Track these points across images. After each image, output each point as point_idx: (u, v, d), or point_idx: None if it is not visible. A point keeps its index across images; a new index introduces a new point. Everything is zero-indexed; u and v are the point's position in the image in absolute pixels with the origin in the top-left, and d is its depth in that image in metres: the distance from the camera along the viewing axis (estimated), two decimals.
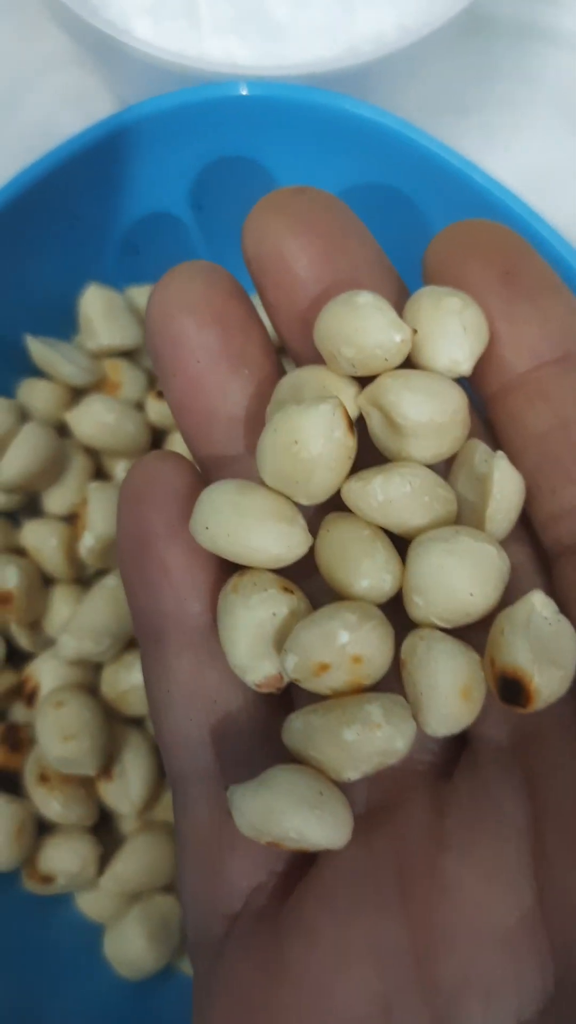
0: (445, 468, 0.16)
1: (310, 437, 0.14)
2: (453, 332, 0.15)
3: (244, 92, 0.26)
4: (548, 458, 0.15)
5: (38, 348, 0.28)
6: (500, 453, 0.15)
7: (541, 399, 0.15)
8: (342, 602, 0.14)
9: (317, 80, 0.29)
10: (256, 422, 0.16)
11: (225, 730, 0.15)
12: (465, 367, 0.15)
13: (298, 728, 0.14)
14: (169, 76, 0.29)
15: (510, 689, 0.14)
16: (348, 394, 0.15)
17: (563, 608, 0.15)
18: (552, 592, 0.15)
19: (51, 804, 0.26)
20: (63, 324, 0.30)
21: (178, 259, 0.31)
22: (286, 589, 0.15)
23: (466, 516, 0.15)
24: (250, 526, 0.14)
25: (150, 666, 0.16)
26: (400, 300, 0.16)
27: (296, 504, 0.15)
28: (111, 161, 0.28)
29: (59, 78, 0.37)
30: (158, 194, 0.29)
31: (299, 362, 0.17)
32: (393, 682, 0.15)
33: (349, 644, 0.14)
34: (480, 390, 0.16)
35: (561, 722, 0.15)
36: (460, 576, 0.14)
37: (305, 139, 0.27)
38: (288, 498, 0.15)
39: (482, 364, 0.15)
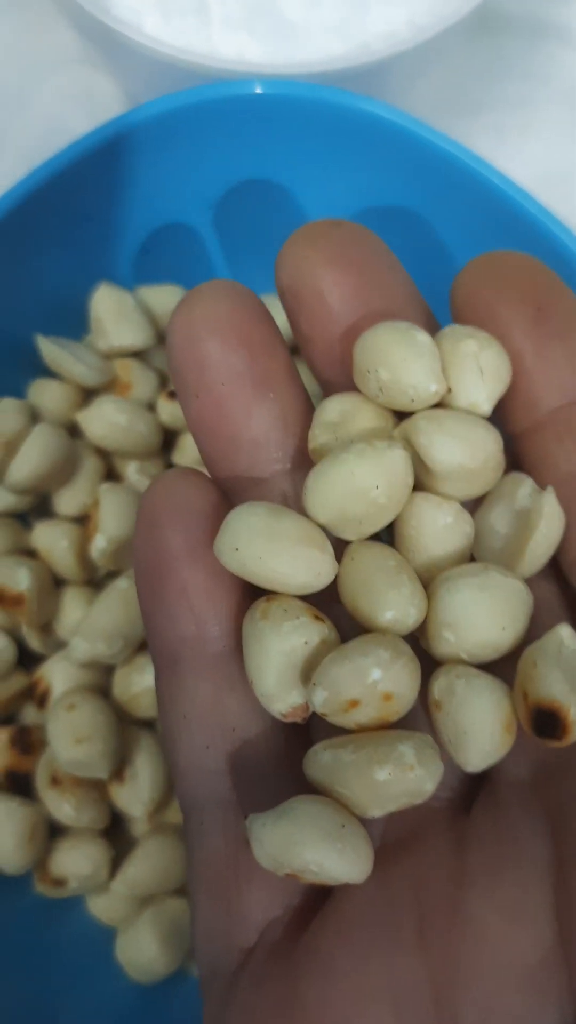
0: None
1: (387, 484, 0.14)
2: (471, 375, 0.15)
3: (258, 91, 0.26)
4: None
5: (49, 348, 0.28)
6: (550, 489, 0.15)
7: (571, 438, 0.15)
8: (371, 635, 0.14)
9: (328, 78, 0.29)
10: (281, 445, 0.16)
11: (243, 758, 0.15)
12: (485, 408, 0.15)
13: (325, 762, 0.14)
14: (179, 73, 0.29)
15: (545, 723, 0.14)
16: (391, 426, 0.16)
17: None
18: None
19: (63, 807, 0.26)
20: (74, 324, 0.30)
21: (189, 259, 0.31)
22: (317, 617, 0.15)
23: (495, 548, 0.15)
24: (281, 550, 0.14)
25: (166, 690, 0.16)
26: (430, 329, 0.16)
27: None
28: (122, 160, 0.27)
29: (68, 75, 0.37)
30: (169, 193, 0.29)
31: (328, 394, 0.16)
32: (413, 719, 0.15)
33: (381, 681, 0.14)
34: (509, 427, 0.16)
35: None
36: (492, 611, 0.14)
37: (318, 138, 0.27)
38: (319, 526, 0.15)
39: (512, 402, 0.15)
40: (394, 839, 0.15)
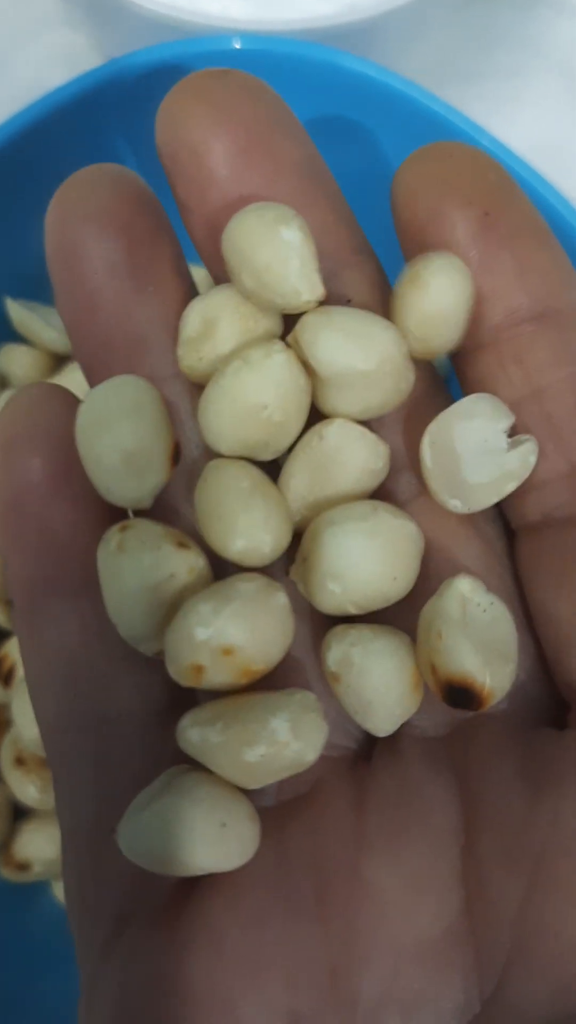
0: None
1: (280, 398, 0.13)
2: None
3: (237, 46, 0.25)
4: (519, 430, 0.14)
5: (18, 312, 0.27)
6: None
7: (514, 363, 0.14)
8: (204, 590, 0.13)
9: (315, 36, 0.28)
10: (163, 347, 0.14)
11: (115, 709, 0.14)
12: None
13: (195, 741, 0.13)
14: (164, 32, 0.28)
15: (460, 695, 0.13)
16: (272, 327, 0.14)
17: (522, 586, 0.14)
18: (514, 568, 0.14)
19: (27, 788, 0.25)
20: (45, 287, 0.29)
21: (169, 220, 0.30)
22: (181, 544, 0.13)
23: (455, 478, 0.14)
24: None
25: (28, 636, 0.14)
26: (331, 204, 0.14)
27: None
28: (97, 117, 0.26)
29: (49, 38, 0.36)
30: (147, 153, 0.28)
31: (209, 266, 0.15)
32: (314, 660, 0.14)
33: (213, 638, 0.12)
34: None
35: (495, 713, 0.14)
36: (384, 560, 0.13)
37: (301, 97, 0.26)
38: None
39: None
40: (291, 795, 0.14)
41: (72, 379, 0.26)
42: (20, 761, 0.25)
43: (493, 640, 0.13)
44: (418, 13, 0.29)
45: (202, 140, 0.14)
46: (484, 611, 0.13)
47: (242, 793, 0.13)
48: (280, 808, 0.14)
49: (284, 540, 0.13)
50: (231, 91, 0.14)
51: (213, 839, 0.12)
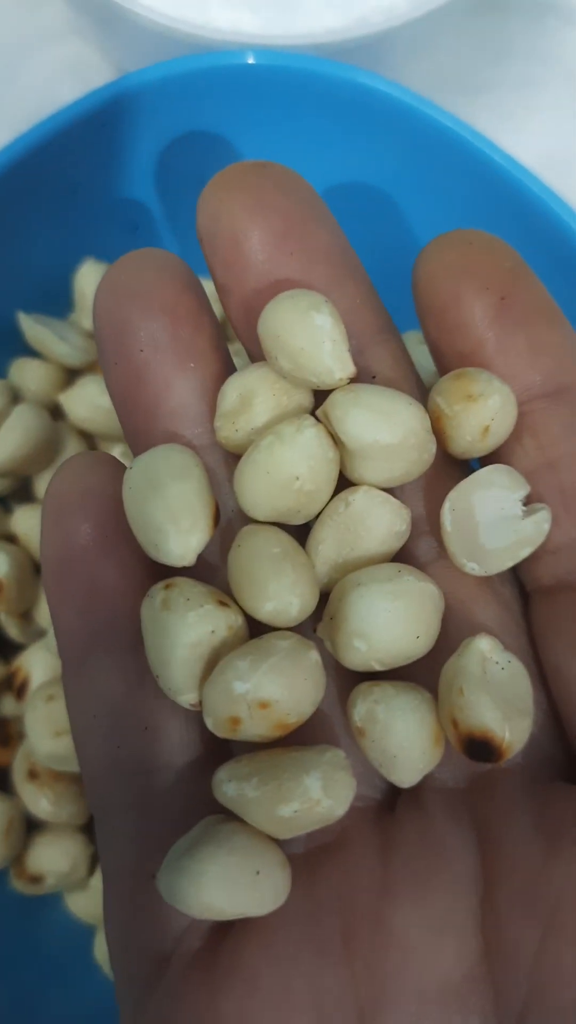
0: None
1: (310, 470, 0.14)
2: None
3: (251, 61, 0.25)
4: (534, 499, 0.15)
5: (31, 326, 0.27)
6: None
7: (529, 435, 0.15)
8: (242, 646, 0.13)
9: (325, 51, 0.28)
10: (202, 418, 0.15)
11: (157, 759, 0.14)
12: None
13: (231, 795, 0.13)
14: (174, 45, 0.28)
15: (479, 748, 0.13)
16: (303, 402, 0.15)
17: (536, 645, 0.14)
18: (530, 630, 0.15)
19: (40, 802, 0.25)
20: (59, 302, 0.29)
21: (178, 237, 0.30)
22: (222, 603, 0.14)
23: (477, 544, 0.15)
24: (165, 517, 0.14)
25: (74, 688, 0.15)
26: (358, 287, 0.15)
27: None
28: (110, 132, 0.26)
29: (59, 48, 0.36)
30: (159, 168, 0.28)
31: (247, 346, 0.16)
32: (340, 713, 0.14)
33: (249, 692, 0.13)
34: None
35: (511, 767, 0.14)
36: (407, 620, 0.14)
37: (313, 112, 0.26)
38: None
39: None
40: (319, 844, 0.14)
41: (84, 393, 0.27)
42: (33, 774, 0.25)
43: (511, 696, 0.13)
44: (427, 25, 0.29)
45: (241, 228, 0.15)
46: (503, 669, 0.13)
47: (274, 842, 0.13)
48: (309, 855, 0.14)
49: (311, 604, 0.14)
50: (268, 183, 0.15)
51: (248, 886, 0.13)
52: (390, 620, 0.13)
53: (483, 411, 0.14)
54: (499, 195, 0.26)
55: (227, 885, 0.13)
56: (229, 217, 0.15)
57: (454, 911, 0.13)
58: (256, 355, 0.15)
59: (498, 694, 0.13)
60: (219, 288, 0.16)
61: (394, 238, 0.28)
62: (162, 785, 0.14)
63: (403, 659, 0.14)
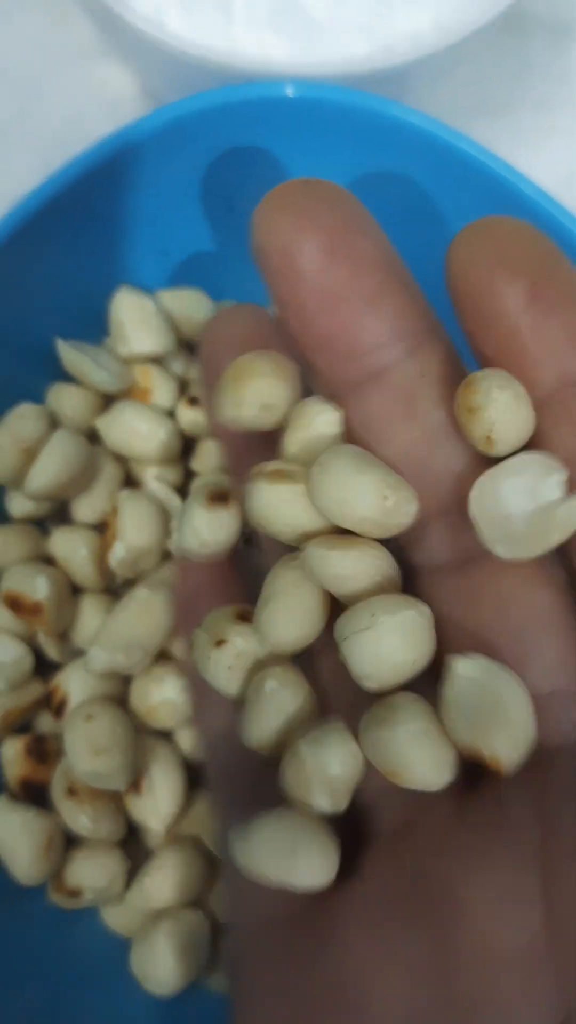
0: None
1: (418, 651, 0.16)
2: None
3: (289, 93, 0.26)
4: (574, 484, 0.15)
5: (69, 353, 0.27)
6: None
7: (568, 420, 0.15)
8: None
9: (352, 79, 0.28)
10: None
11: (252, 761, 0.17)
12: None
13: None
14: (200, 71, 0.28)
15: (476, 764, 0.15)
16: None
17: None
18: None
19: (80, 819, 0.25)
20: (94, 327, 0.30)
21: (209, 262, 0.31)
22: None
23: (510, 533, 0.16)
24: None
25: (198, 715, 0.18)
26: (406, 293, 0.16)
27: None
28: (143, 162, 0.27)
29: (86, 70, 0.36)
30: (190, 195, 0.29)
31: (303, 353, 0.17)
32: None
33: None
34: None
35: (569, 743, 0.15)
36: (406, 650, 0.15)
37: (345, 142, 0.27)
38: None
39: None
40: (403, 822, 0.16)
41: (120, 418, 0.27)
42: (72, 791, 0.25)
43: (495, 711, 0.14)
44: (452, 50, 0.29)
45: (292, 241, 0.15)
46: (483, 687, 0.14)
47: (325, 823, 0.16)
48: (394, 833, 0.16)
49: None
50: (316, 198, 0.16)
51: (289, 856, 0.15)
52: (392, 655, 0.15)
53: (482, 424, 0.14)
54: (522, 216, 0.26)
55: (269, 855, 0.15)
56: (281, 232, 0.15)
57: (517, 881, 0.14)
58: (315, 355, 0.17)
59: (477, 712, 0.14)
60: (275, 300, 0.16)
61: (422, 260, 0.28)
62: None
63: (403, 681, 0.15)
